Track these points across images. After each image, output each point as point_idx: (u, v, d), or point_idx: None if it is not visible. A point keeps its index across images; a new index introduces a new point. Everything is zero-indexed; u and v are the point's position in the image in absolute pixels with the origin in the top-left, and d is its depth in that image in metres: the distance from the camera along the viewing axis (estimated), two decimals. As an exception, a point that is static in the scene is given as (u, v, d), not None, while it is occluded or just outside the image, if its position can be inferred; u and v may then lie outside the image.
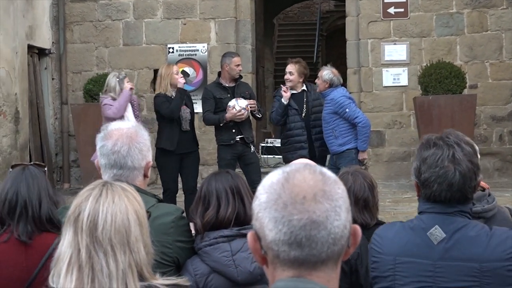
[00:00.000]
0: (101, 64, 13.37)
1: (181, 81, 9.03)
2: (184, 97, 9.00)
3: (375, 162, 13.02)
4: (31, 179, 3.35)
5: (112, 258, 2.13)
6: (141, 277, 2.19)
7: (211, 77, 12.42)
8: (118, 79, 9.27)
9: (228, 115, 8.83)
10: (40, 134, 12.76)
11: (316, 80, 8.99)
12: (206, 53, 13.21)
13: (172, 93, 8.90)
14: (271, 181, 1.66)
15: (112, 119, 8.48)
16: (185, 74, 12.25)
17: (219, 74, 9.31)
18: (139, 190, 2.64)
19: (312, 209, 1.58)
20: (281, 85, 9.19)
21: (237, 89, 9.12)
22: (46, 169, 3.60)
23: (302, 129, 8.97)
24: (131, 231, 2.18)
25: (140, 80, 13.32)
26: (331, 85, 8.79)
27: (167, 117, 8.89)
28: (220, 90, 9.12)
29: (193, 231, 3.48)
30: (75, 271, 2.13)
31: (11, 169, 3.47)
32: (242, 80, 9.41)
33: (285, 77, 9.17)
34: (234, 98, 8.96)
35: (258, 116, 9.10)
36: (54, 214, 3.35)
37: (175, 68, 9.19)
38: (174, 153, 8.88)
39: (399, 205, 10.44)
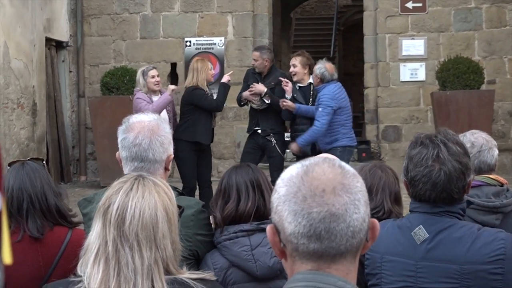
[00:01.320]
0: (118, 57, 13.41)
1: (227, 77, 9.14)
2: (228, 92, 9.11)
3: (391, 157, 12.98)
4: (32, 173, 3.31)
5: (137, 254, 2.14)
6: (168, 273, 2.19)
7: (228, 71, 12.42)
8: (142, 72, 9.18)
9: (245, 93, 9.08)
10: (57, 127, 12.82)
11: (313, 74, 8.94)
12: (223, 46, 13.22)
13: (206, 87, 8.90)
14: (290, 174, 1.67)
15: None
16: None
17: None
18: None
19: (331, 202, 1.59)
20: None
21: (266, 79, 9.18)
22: (44, 162, 3.58)
23: (308, 125, 8.92)
24: (159, 227, 2.17)
25: (157, 74, 13.35)
26: (322, 80, 8.66)
27: (209, 110, 8.93)
28: (252, 77, 9.29)
29: (212, 225, 3.49)
30: (102, 262, 2.14)
31: (8, 167, 3.42)
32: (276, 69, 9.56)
33: (290, 70, 9.20)
34: None
35: (266, 101, 9.07)
36: (60, 205, 3.34)
37: (209, 64, 9.19)
38: (196, 148, 8.89)
39: (415, 200, 10.40)
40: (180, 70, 13.32)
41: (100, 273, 2.13)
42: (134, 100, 8.97)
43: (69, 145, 13.35)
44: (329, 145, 8.57)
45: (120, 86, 12.04)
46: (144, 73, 9.09)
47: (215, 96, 9.01)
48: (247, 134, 9.40)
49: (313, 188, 1.60)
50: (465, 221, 2.92)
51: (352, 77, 23.98)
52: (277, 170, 8.84)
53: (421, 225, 2.83)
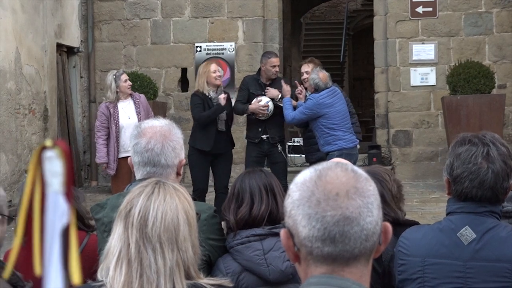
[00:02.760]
0: (129, 63, 13.45)
1: (222, 99, 8.78)
2: (219, 114, 8.85)
3: (402, 162, 12.97)
4: None
5: (160, 255, 2.17)
6: (188, 276, 2.22)
7: (239, 76, 12.46)
8: (114, 76, 9.21)
9: (252, 106, 8.96)
10: (68, 132, 12.87)
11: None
12: (234, 52, 13.24)
13: (209, 92, 8.81)
14: (304, 179, 1.68)
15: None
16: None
17: (260, 69, 9.37)
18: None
19: (345, 206, 1.60)
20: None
21: (271, 86, 9.12)
22: None
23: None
24: (180, 230, 2.21)
25: (168, 79, 13.39)
26: (317, 90, 8.66)
27: (194, 120, 9.00)
28: (255, 85, 9.19)
29: (224, 230, 3.50)
30: (124, 265, 2.17)
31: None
32: (279, 78, 9.43)
33: (302, 77, 9.16)
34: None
35: (280, 105, 9.03)
36: (78, 208, 3.36)
37: (213, 66, 8.98)
38: (208, 152, 8.87)
39: (426, 205, 10.39)
40: (190, 75, 13.33)
41: (123, 275, 2.16)
42: (98, 114, 9.39)
43: (80, 150, 13.40)
44: (322, 147, 8.60)
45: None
46: (117, 77, 9.16)
47: (223, 95, 8.85)
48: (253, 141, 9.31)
49: (326, 192, 1.62)
50: (505, 222, 2.95)
51: (362, 81, 24.00)
52: (283, 175, 8.86)
53: (467, 226, 2.83)
